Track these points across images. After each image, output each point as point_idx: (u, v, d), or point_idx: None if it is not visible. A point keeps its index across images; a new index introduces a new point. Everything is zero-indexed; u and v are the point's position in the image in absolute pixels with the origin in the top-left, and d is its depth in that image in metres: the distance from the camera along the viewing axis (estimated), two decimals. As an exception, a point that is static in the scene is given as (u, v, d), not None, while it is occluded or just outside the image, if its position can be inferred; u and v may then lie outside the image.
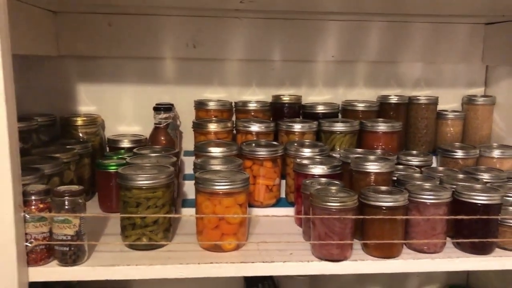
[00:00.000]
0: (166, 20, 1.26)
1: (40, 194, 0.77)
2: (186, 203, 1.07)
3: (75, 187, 0.80)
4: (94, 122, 1.23)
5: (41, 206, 0.77)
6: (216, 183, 0.84)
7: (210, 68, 1.31)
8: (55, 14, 1.21)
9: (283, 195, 1.12)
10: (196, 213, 0.89)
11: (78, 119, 1.21)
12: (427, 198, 0.86)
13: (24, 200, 0.76)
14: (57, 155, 1.00)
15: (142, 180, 0.84)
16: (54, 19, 1.21)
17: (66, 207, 0.77)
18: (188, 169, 1.13)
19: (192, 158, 1.08)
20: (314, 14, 1.23)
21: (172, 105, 1.23)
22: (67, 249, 0.78)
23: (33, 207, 0.77)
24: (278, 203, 1.10)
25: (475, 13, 1.19)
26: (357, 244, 0.87)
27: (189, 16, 1.26)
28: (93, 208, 1.07)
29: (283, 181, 1.11)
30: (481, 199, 0.86)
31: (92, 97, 1.29)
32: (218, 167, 0.95)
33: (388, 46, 1.33)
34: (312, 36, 1.30)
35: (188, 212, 1.02)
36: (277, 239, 0.90)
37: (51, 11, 1.19)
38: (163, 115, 1.18)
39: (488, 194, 0.86)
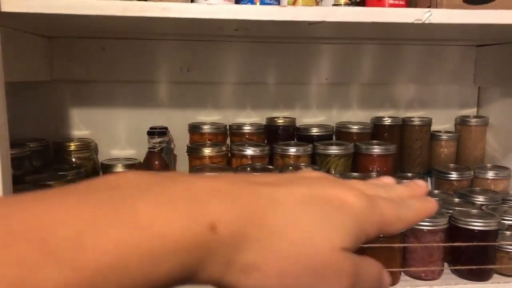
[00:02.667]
0: (160, 44, 1.26)
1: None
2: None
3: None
4: (87, 146, 1.22)
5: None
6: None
7: (204, 91, 1.31)
8: (49, 39, 1.21)
9: (278, 219, 1.11)
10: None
11: (71, 144, 1.20)
12: (424, 224, 0.85)
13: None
14: (50, 182, 0.98)
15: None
16: (48, 45, 1.20)
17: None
18: (183, 193, 1.12)
19: (187, 183, 1.08)
20: (307, 38, 1.24)
21: (166, 128, 1.22)
22: None
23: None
24: (274, 228, 1.09)
25: (466, 37, 1.20)
26: (354, 271, 0.86)
27: (183, 40, 1.26)
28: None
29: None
30: (477, 225, 0.86)
31: (85, 121, 1.28)
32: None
33: (381, 68, 1.34)
34: (305, 59, 1.31)
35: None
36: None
37: (45, 36, 1.19)
38: (157, 139, 1.18)
39: (484, 220, 0.86)
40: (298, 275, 0.26)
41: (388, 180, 0.36)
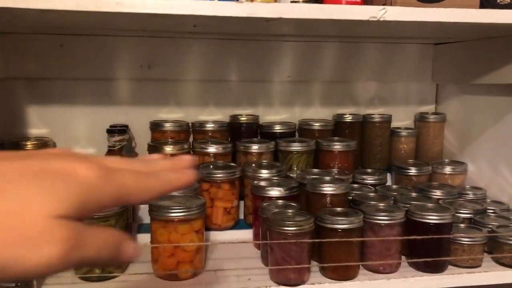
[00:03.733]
0: (119, 41, 1.24)
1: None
2: (142, 228, 1.05)
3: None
4: (45, 145, 1.18)
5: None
6: (171, 210, 0.82)
7: (166, 88, 1.29)
8: (3, 35, 1.17)
9: (242, 216, 1.11)
10: (151, 240, 0.87)
11: (28, 142, 1.16)
12: (381, 219, 0.87)
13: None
14: None
15: (94, 209, 0.81)
16: (2, 40, 1.17)
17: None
18: (144, 192, 1.11)
19: (148, 181, 1.06)
20: (267, 35, 1.24)
21: (127, 126, 1.20)
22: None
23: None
24: (237, 225, 1.09)
25: (423, 35, 1.23)
26: (315, 266, 0.87)
27: (143, 36, 1.24)
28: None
29: (242, 202, 1.11)
30: (433, 218, 0.88)
31: (43, 119, 1.24)
32: (173, 192, 0.93)
33: (342, 65, 1.36)
34: (268, 56, 1.31)
35: (144, 238, 0.99)
36: (236, 264, 0.89)
37: (-2, 32, 1.15)
38: (117, 138, 1.16)
39: (439, 214, 0.89)
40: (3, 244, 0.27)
41: (154, 156, 0.39)
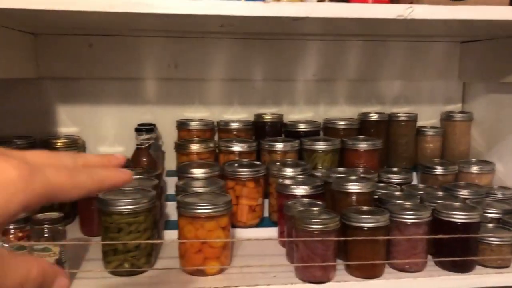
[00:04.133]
0: (147, 41, 1.26)
1: (19, 222, 0.76)
2: (169, 225, 1.06)
3: (54, 214, 0.79)
4: (74, 143, 1.22)
5: (20, 234, 0.76)
6: (198, 207, 0.84)
7: (192, 88, 1.31)
8: (35, 36, 1.20)
9: (266, 214, 1.12)
10: (179, 236, 0.88)
11: (58, 141, 1.19)
12: (408, 218, 0.87)
13: (2, 229, 0.75)
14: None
15: (123, 206, 0.83)
16: (34, 42, 1.20)
17: (46, 235, 0.76)
18: (171, 189, 1.13)
19: (175, 179, 1.08)
20: (293, 35, 1.24)
21: (154, 125, 1.22)
22: None
23: (11, 236, 0.76)
24: (262, 223, 1.10)
25: (450, 34, 1.22)
26: (340, 264, 0.87)
27: (170, 37, 1.26)
28: (75, 231, 1.05)
29: (266, 200, 1.12)
30: (460, 217, 0.87)
31: (72, 118, 1.28)
32: (200, 189, 0.95)
33: (367, 64, 1.35)
34: (293, 55, 1.32)
35: (171, 234, 1.02)
36: (261, 261, 0.90)
37: (31, 33, 1.18)
38: (145, 136, 1.18)
39: (467, 213, 0.88)
40: None
41: (87, 155, 0.37)
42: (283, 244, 0.98)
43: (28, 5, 0.72)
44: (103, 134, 1.29)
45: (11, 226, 0.76)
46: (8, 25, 1.00)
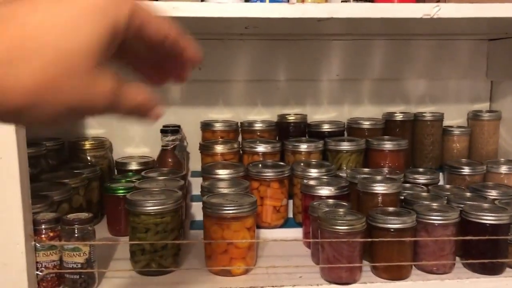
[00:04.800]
0: (171, 43, 1.27)
1: (50, 222, 0.78)
2: (194, 224, 1.08)
3: (84, 215, 0.81)
4: (102, 145, 1.24)
5: (51, 234, 0.78)
6: (224, 208, 0.84)
7: (216, 89, 1.32)
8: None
9: (290, 215, 1.12)
10: (204, 237, 0.89)
11: (86, 142, 1.22)
12: (435, 219, 0.86)
13: (34, 229, 0.77)
14: (66, 180, 1.01)
15: (150, 206, 0.84)
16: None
17: (76, 235, 0.78)
18: (196, 190, 1.14)
19: (200, 179, 1.09)
20: (316, 35, 1.24)
21: (179, 126, 1.24)
22: (78, 277, 0.78)
23: (43, 236, 0.78)
24: (286, 223, 1.10)
25: (477, 32, 1.20)
26: (366, 266, 0.87)
27: (194, 39, 1.27)
28: (102, 231, 1.07)
29: (291, 201, 1.12)
30: (489, 219, 0.86)
31: (99, 120, 1.30)
32: (225, 190, 0.95)
33: (392, 63, 1.34)
34: (316, 55, 1.32)
35: (196, 234, 1.03)
36: (286, 261, 0.90)
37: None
38: (170, 137, 1.19)
39: (496, 214, 0.86)
40: (57, 76, 0.28)
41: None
42: (308, 245, 0.98)
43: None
44: (129, 136, 1.32)
45: (43, 226, 0.78)
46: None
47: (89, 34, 0.29)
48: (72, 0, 0.30)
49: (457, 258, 0.90)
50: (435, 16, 0.79)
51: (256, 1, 0.83)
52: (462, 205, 0.91)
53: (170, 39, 0.35)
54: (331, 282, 0.83)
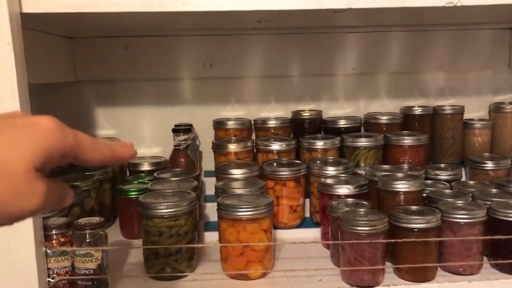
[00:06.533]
0: (182, 41, 1.25)
1: (61, 227, 0.76)
2: (208, 226, 1.05)
3: (96, 219, 0.78)
4: (113, 145, 1.22)
5: (62, 240, 0.76)
6: (239, 209, 0.81)
7: (228, 86, 1.29)
8: (72, 40, 1.21)
9: (307, 214, 1.09)
10: (220, 239, 0.86)
11: (97, 143, 1.19)
12: (461, 217, 0.82)
13: (45, 234, 0.75)
14: (77, 183, 0.98)
15: (164, 209, 0.81)
16: (71, 45, 1.21)
17: (88, 240, 0.75)
18: (209, 190, 1.11)
19: (213, 179, 1.06)
20: (331, 27, 1.20)
21: (191, 125, 1.21)
22: (90, 283, 0.76)
23: (54, 241, 0.75)
24: (303, 223, 1.07)
25: (498, 20, 1.15)
26: (389, 268, 0.83)
27: (205, 35, 1.24)
28: (115, 233, 1.05)
29: (307, 200, 1.08)
30: (519, 216, 0.82)
31: (110, 120, 1.28)
32: (240, 190, 0.92)
33: (409, 56, 1.30)
34: (330, 49, 1.28)
35: (211, 236, 1.00)
36: (304, 263, 0.87)
37: (67, 37, 1.19)
38: (182, 137, 1.17)
39: (526, 211, 0.82)
40: None
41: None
42: (326, 245, 0.95)
43: (63, 8, 0.71)
44: (140, 136, 1.29)
45: (54, 232, 0.75)
46: (46, 30, 1.00)
47: (25, 146, 0.32)
48: (26, 123, 0.34)
49: (485, 258, 0.86)
50: (459, 4, 0.74)
51: (269, -6, 0.79)
52: (488, 202, 0.87)
53: (107, 160, 0.39)
54: (353, 285, 0.80)
